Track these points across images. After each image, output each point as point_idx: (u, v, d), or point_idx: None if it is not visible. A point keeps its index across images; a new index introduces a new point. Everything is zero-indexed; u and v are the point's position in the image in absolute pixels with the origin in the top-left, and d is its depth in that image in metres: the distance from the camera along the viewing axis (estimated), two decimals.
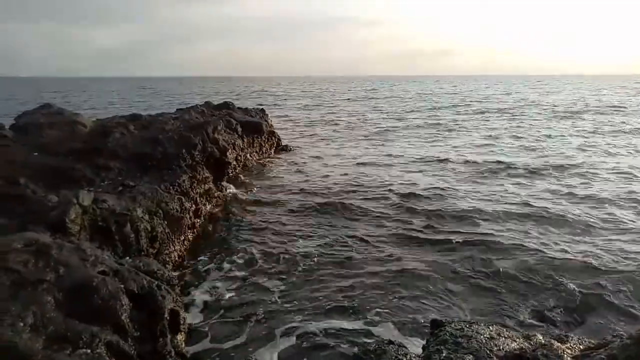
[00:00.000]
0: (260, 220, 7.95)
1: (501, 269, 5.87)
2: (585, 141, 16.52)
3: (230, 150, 8.86)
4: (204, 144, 8.29)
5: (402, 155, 14.07)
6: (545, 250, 6.46)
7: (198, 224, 7.02)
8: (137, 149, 7.67)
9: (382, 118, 25.99)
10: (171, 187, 6.96)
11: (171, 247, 5.08)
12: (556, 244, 6.73)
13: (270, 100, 41.90)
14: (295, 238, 7.09)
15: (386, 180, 10.69)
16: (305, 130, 21.15)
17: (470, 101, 38.83)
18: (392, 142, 17.16)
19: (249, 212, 8.46)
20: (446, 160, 13.17)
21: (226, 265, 5.87)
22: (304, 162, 13.42)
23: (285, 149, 15.64)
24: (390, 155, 14.24)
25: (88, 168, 7.00)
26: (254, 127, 13.72)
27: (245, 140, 13.00)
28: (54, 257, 3.02)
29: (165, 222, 5.10)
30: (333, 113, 29.51)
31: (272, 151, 14.92)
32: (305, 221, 7.91)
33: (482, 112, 28.46)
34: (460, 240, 6.86)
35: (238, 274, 5.67)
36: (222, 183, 8.97)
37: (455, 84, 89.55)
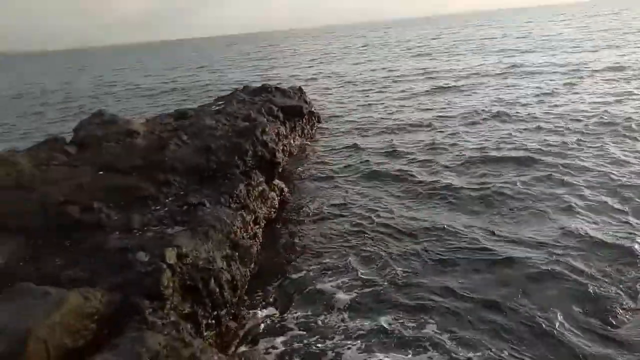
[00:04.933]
0: (316, 217, 8.38)
1: None
2: None
3: (279, 150, 9.03)
4: (254, 148, 8.49)
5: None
6: None
7: (259, 232, 7.37)
8: (193, 161, 7.96)
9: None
10: (230, 200, 7.26)
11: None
12: None
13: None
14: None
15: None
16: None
17: None
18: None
19: (302, 212, 8.81)
20: None
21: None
22: (342, 139, 13.72)
23: (326, 123, 15.76)
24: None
25: (151, 185, 7.36)
26: (294, 110, 13.79)
27: (287, 125, 13.13)
28: None
29: (238, 258, 5.41)
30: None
31: (313, 131, 15.02)
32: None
33: None
34: None
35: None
36: (274, 182, 9.22)
37: None
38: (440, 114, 15.27)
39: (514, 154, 10.66)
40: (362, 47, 53.88)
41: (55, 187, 7.25)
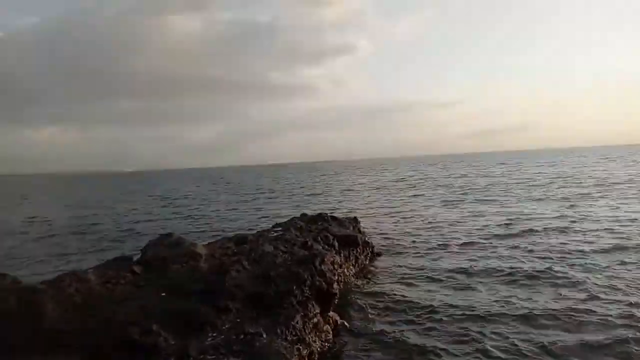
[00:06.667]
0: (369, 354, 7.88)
1: None
2: None
3: (336, 281, 8.97)
4: (312, 278, 8.51)
5: None
6: None
7: None
8: (253, 288, 8.05)
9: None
10: (287, 331, 7.12)
11: None
12: None
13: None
14: None
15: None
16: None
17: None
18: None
19: (355, 348, 8.36)
20: None
21: None
22: (401, 271, 13.26)
23: (379, 255, 15.59)
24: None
25: (211, 311, 7.41)
26: (350, 240, 13.92)
27: (342, 254, 13.18)
28: None
29: None
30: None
31: (367, 261, 14.91)
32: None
33: None
34: None
35: None
36: (329, 314, 9.00)
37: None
38: None
39: None
40: (419, 181, 54.72)
41: (120, 306, 7.48)
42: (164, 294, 7.97)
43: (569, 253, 14.05)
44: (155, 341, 6.59)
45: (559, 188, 34.09)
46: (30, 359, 6.07)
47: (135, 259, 10.07)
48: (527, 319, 9.06)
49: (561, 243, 15.46)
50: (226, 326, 7.21)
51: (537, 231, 17.69)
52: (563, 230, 17.67)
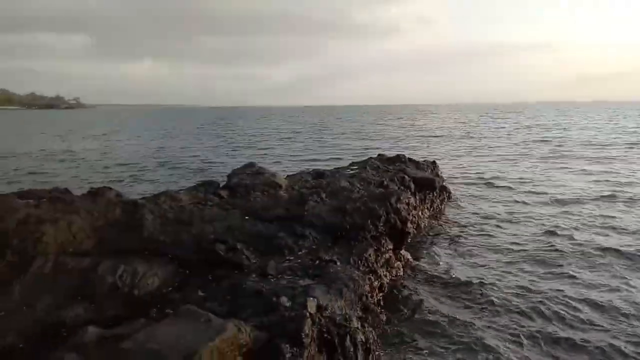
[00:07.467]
0: (441, 291, 8.00)
1: None
2: None
3: (410, 220, 9.01)
4: (387, 215, 8.60)
5: None
6: None
7: (382, 301, 7.30)
8: (329, 219, 8.33)
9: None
10: (359, 262, 7.39)
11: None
12: None
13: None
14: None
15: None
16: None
17: None
18: None
19: (428, 286, 8.50)
20: None
21: None
22: (476, 220, 12.98)
23: (456, 201, 15.30)
24: None
25: (289, 237, 7.84)
26: (427, 183, 13.74)
27: (417, 197, 13.09)
28: None
29: (370, 323, 5.45)
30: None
31: (443, 206, 14.72)
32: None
33: None
34: None
35: None
36: (401, 251, 9.15)
37: None
38: None
39: None
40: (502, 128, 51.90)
41: (208, 225, 8.12)
42: (247, 217, 8.51)
43: None
44: (239, 258, 7.16)
45: None
46: (133, 262, 6.84)
47: (221, 184, 10.76)
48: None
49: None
50: (303, 251, 7.61)
51: None
52: None
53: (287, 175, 12.25)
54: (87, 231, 7.28)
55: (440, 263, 9.61)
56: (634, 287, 8.14)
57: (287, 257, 7.40)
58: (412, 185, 13.06)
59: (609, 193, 15.50)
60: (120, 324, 4.94)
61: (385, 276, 8.13)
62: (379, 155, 16.70)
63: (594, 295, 7.85)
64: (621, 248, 10.00)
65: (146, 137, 47.84)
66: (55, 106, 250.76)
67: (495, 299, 7.71)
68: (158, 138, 46.62)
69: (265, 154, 30.24)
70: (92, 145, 37.73)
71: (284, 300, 4.88)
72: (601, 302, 7.58)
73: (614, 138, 36.78)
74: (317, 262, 7.09)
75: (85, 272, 6.23)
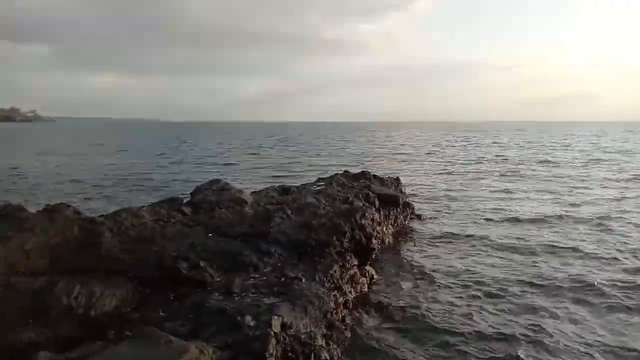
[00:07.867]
0: (402, 310, 8.03)
1: None
2: None
3: (375, 236, 9.11)
4: (352, 231, 8.68)
5: None
6: None
7: (347, 317, 7.30)
8: (294, 236, 8.32)
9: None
10: (325, 279, 7.39)
11: None
12: None
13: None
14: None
15: None
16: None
17: None
18: None
19: (388, 302, 8.55)
20: None
21: None
22: (439, 237, 13.20)
23: (419, 217, 15.56)
24: None
25: (254, 253, 7.77)
26: (391, 199, 13.94)
27: (382, 213, 13.26)
28: None
29: (335, 340, 5.44)
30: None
31: (407, 222, 14.95)
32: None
33: None
34: None
35: None
36: (365, 267, 9.21)
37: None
38: None
39: None
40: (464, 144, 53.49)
41: (170, 242, 7.95)
42: (211, 234, 8.38)
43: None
44: (203, 276, 7.03)
45: None
46: (90, 282, 6.60)
47: (184, 201, 10.57)
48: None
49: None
50: (268, 269, 7.56)
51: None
52: None
53: (253, 192, 12.18)
54: (41, 250, 6.99)
55: (404, 280, 9.71)
56: None
57: (252, 275, 7.32)
58: (377, 202, 13.23)
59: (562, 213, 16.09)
60: (75, 347, 4.74)
61: (350, 292, 8.16)
62: (344, 171, 16.86)
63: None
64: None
65: (106, 152, 46.57)
66: (10, 118, 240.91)
67: (452, 322, 7.70)
68: (118, 152, 45.48)
69: (231, 170, 29.97)
70: (49, 161, 36.33)
71: (249, 319, 4.82)
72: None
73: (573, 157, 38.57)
74: (283, 279, 7.05)
75: (39, 293, 5.96)
